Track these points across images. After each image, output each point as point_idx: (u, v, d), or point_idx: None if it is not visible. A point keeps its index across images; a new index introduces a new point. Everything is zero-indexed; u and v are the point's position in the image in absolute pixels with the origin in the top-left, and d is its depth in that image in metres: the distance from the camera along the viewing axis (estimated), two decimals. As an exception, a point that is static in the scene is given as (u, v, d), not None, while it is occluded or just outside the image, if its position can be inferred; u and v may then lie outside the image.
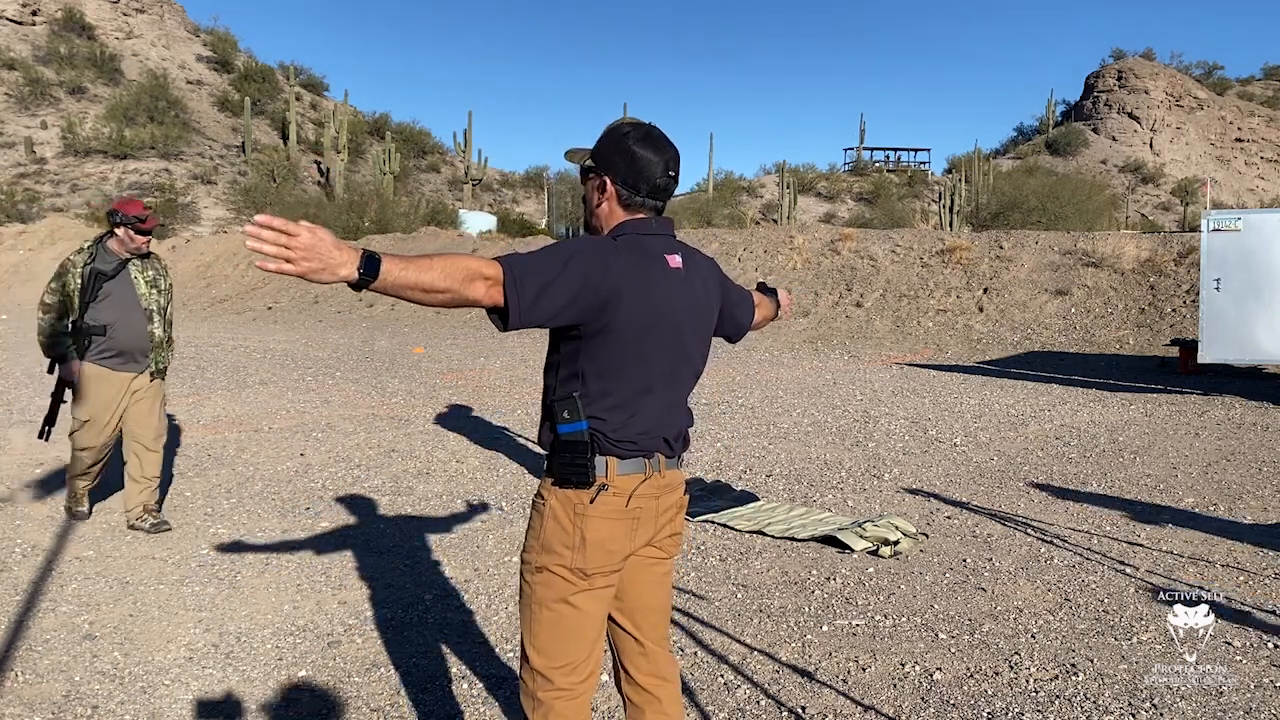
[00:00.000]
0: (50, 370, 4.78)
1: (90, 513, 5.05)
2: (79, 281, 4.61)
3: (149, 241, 4.74)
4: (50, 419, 4.88)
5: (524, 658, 2.05)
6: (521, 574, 2.06)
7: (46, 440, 4.96)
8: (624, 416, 1.97)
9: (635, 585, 2.11)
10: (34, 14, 46.30)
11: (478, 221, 33.22)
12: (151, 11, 50.18)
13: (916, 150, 59.52)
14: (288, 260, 1.57)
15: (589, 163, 2.07)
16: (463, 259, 1.78)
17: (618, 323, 1.91)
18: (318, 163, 41.55)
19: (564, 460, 1.96)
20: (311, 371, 11.50)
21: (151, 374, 4.79)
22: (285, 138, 42.45)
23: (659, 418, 2.03)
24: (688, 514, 5.14)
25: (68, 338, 4.63)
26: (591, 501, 1.95)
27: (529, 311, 1.82)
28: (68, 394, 4.81)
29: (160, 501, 4.99)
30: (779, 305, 2.64)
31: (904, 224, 32.66)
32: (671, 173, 2.04)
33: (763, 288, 2.62)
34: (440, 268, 1.74)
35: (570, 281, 1.85)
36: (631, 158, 2.00)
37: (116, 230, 4.67)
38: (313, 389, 10.02)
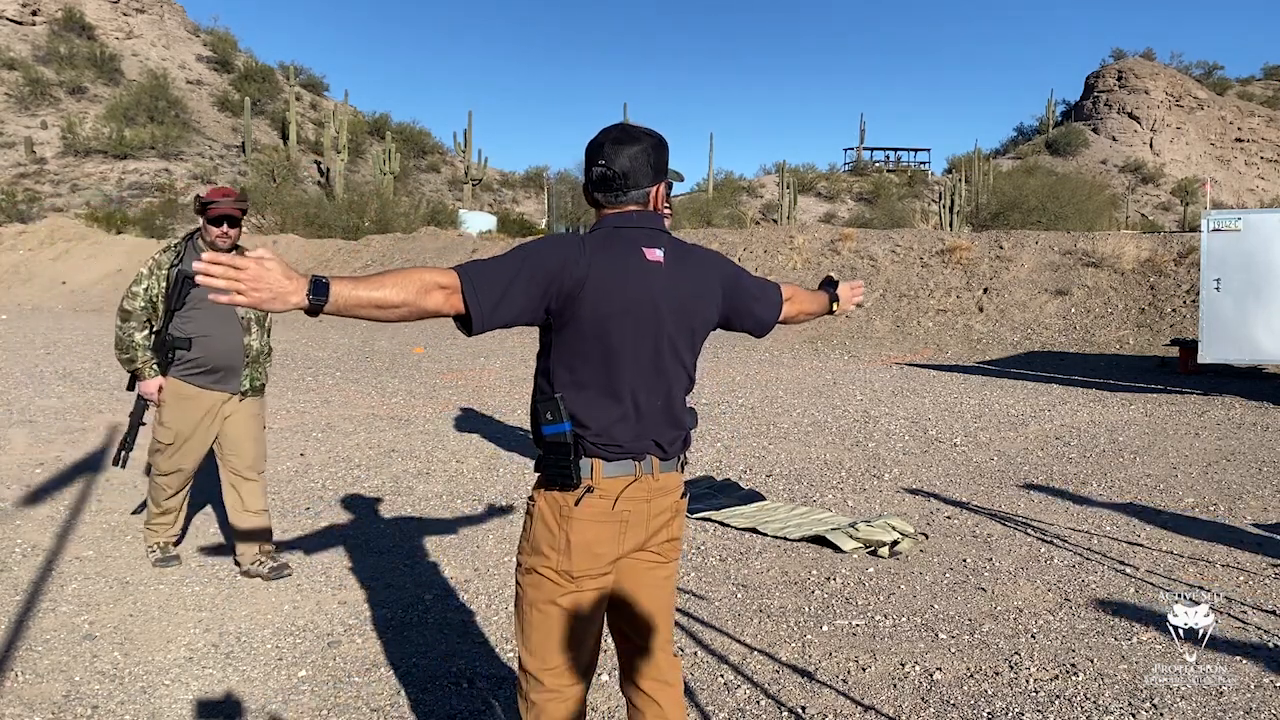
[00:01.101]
0: (130, 387, 4.21)
1: (179, 558, 4.35)
2: (163, 285, 3.96)
3: (239, 234, 3.98)
4: (127, 443, 4.28)
5: (519, 658, 2.06)
6: (515, 575, 2.07)
7: (123, 467, 4.37)
8: (606, 417, 1.95)
9: (634, 589, 2.09)
10: (34, 14, 46.26)
11: (478, 221, 33.27)
12: (151, 11, 50.15)
13: (916, 150, 59.58)
14: (238, 291, 1.60)
15: None
16: (417, 271, 1.77)
17: (586, 314, 1.89)
18: (318, 163, 41.55)
19: (549, 462, 1.95)
20: (311, 371, 11.49)
21: (243, 393, 4.10)
22: (285, 138, 42.46)
23: (647, 418, 1.99)
24: (688, 510, 5.14)
25: (148, 351, 3.98)
26: (576, 504, 1.94)
27: (491, 314, 1.82)
28: (148, 415, 4.19)
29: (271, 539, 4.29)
30: (835, 299, 2.61)
31: (904, 224, 32.70)
32: (603, 163, 1.98)
33: (827, 283, 2.61)
34: (393, 283, 1.73)
35: (527, 279, 1.85)
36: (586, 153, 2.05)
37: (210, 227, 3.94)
38: (313, 389, 10.01)
